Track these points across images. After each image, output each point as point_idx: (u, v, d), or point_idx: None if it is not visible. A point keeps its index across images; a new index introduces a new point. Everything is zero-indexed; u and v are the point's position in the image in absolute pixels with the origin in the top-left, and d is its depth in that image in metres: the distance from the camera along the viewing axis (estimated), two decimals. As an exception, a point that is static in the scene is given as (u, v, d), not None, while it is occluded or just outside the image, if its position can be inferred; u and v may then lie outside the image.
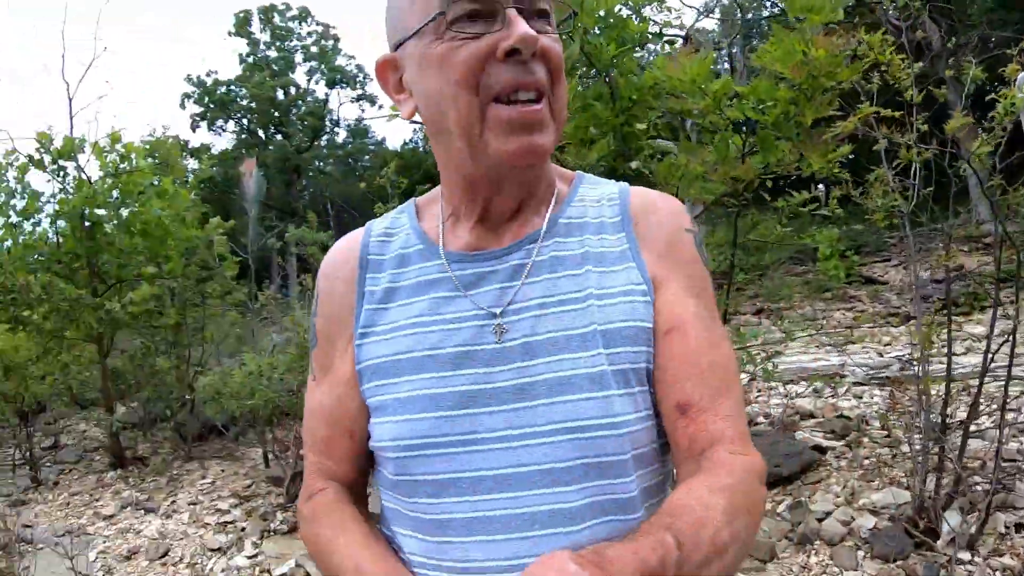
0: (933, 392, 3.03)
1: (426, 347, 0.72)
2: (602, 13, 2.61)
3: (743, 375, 5.32)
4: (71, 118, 6.92)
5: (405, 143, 21.30)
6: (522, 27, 0.67)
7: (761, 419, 4.71)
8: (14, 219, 5.74)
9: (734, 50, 9.07)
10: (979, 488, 3.13)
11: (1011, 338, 2.81)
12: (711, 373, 0.71)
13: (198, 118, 16.82)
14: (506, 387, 0.70)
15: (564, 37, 2.86)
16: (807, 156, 2.23)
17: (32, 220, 5.81)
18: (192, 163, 15.93)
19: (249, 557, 4.13)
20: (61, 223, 5.99)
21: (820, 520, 3.25)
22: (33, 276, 5.61)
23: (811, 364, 5.72)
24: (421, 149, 21.03)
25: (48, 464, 6.68)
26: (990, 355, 2.90)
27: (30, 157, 6.25)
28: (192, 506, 5.18)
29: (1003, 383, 2.96)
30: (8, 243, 5.74)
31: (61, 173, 6.37)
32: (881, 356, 5.63)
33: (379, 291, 0.78)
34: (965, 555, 2.80)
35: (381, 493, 0.80)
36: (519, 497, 0.68)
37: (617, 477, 0.69)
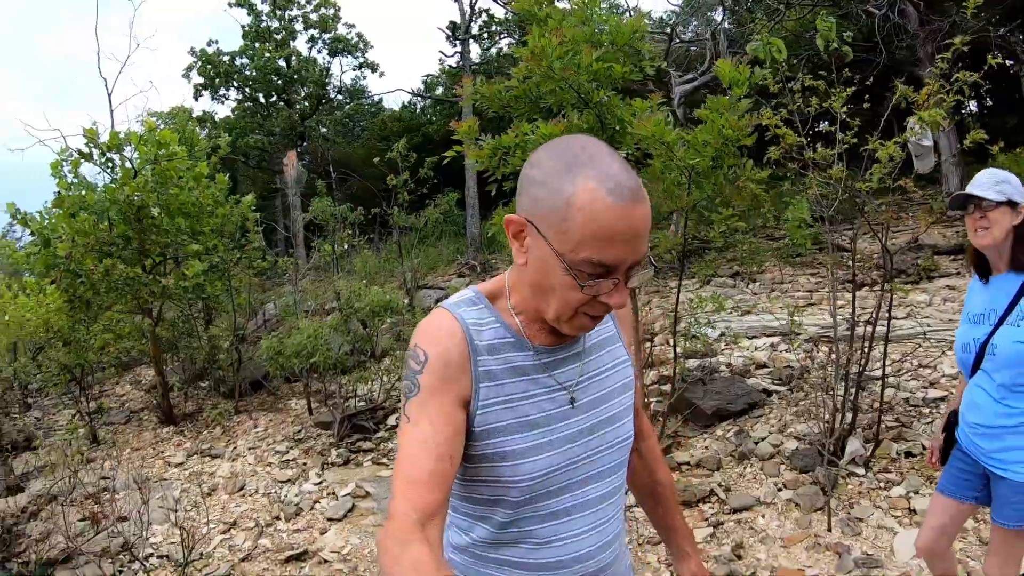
0: (847, 349, 3.97)
1: (537, 411, 1.05)
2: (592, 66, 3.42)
3: (709, 331, 6.25)
4: (111, 112, 7.62)
5: (404, 105, 21.49)
6: (622, 297, 0.96)
7: (723, 367, 5.67)
8: (72, 209, 6.40)
9: (719, 36, 9.67)
10: (883, 425, 4.11)
11: (884, 302, 3.71)
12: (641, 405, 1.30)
13: (201, 88, 17.26)
14: (587, 426, 1.10)
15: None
16: (725, 195, 3.15)
17: (87, 211, 6.47)
18: (199, 131, 16.52)
19: (315, 484, 5.14)
20: (112, 211, 6.66)
21: (756, 443, 4.23)
22: (94, 259, 6.32)
23: (773, 323, 6.63)
24: (419, 111, 21.27)
25: (99, 426, 7.39)
26: (874, 318, 3.81)
27: (79, 151, 6.95)
28: (252, 450, 6.17)
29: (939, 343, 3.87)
30: (65, 230, 6.42)
31: (110, 165, 7.07)
32: (832, 318, 6.55)
33: (491, 371, 1.03)
34: (860, 471, 3.78)
35: (492, 519, 1.08)
36: (601, 484, 1.11)
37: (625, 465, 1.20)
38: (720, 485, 3.87)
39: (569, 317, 0.99)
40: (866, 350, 3.83)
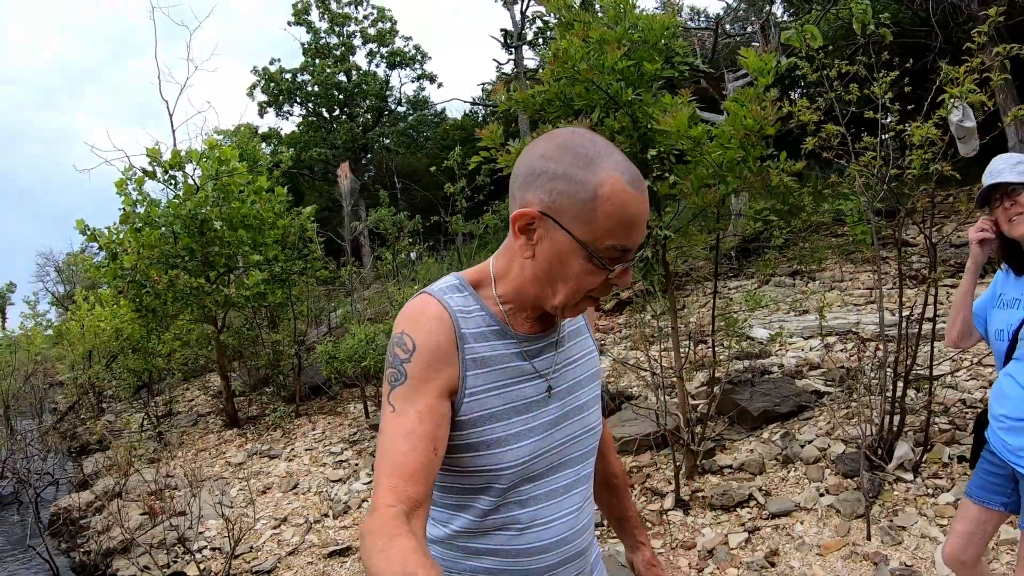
0: (895, 348, 3.75)
1: (519, 398, 1.07)
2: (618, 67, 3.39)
3: (762, 332, 6.04)
4: (173, 132, 8.08)
5: (466, 114, 21.82)
6: (629, 277, 1.01)
7: (775, 368, 5.47)
8: (138, 225, 6.84)
9: (770, 26, 9.37)
10: (936, 426, 3.86)
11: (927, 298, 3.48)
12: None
13: (266, 105, 18.06)
14: (561, 413, 1.11)
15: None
16: (749, 188, 3.04)
17: (152, 225, 6.88)
18: (264, 147, 17.36)
19: (365, 484, 5.28)
20: (177, 224, 7.07)
21: (802, 447, 4.05)
22: (159, 271, 6.72)
23: (831, 322, 6.34)
24: (480, 118, 21.55)
25: (168, 429, 7.90)
26: (920, 314, 3.59)
27: (144, 170, 7.40)
28: (308, 451, 6.41)
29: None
30: (131, 244, 6.85)
31: (172, 182, 7.51)
32: (892, 315, 6.20)
33: (477, 359, 1.03)
34: (908, 476, 3.56)
35: (474, 508, 1.08)
36: (577, 469, 1.14)
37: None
38: (760, 490, 3.74)
39: (575, 303, 1.01)
40: (912, 348, 3.61)
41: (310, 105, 18.03)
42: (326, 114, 18.53)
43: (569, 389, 1.14)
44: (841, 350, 5.67)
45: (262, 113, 17.84)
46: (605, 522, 2.90)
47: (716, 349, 5.91)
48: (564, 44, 3.54)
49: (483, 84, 20.72)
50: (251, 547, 4.55)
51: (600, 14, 4.34)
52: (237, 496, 5.64)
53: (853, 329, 6.13)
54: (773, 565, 3.05)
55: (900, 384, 3.69)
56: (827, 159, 3.72)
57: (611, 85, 3.81)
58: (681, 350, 6.01)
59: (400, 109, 20.96)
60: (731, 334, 4.77)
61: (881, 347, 4.25)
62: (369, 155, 20.09)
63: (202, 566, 4.23)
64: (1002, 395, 1.91)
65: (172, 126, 7.48)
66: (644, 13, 4.37)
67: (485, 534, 1.08)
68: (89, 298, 8.96)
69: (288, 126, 19.78)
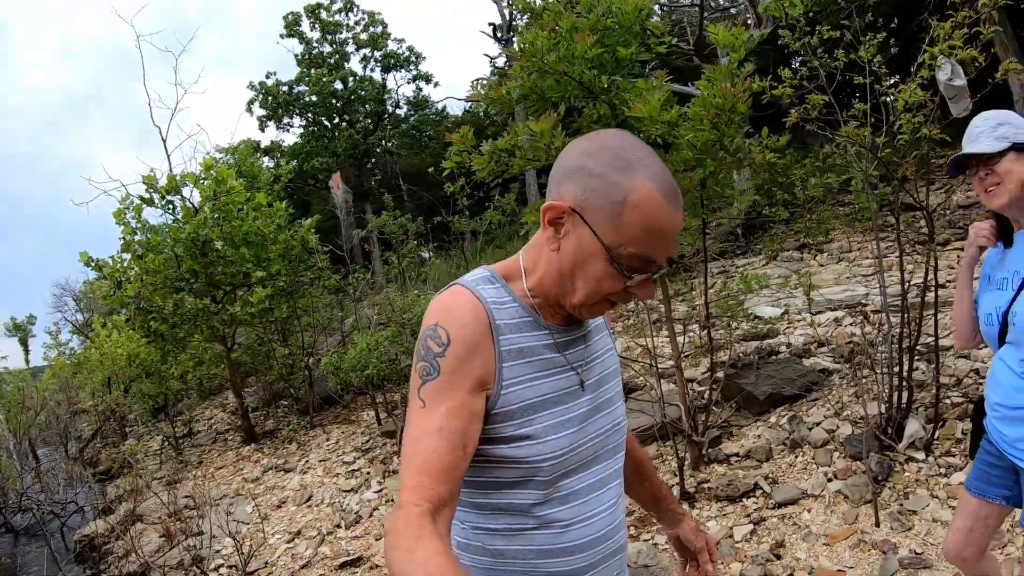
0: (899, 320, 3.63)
1: (555, 389, 1.06)
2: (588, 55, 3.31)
3: (769, 311, 5.93)
4: (168, 157, 8.11)
5: (467, 111, 21.72)
6: (651, 291, 1.01)
7: (783, 348, 5.35)
8: (139, 251, 6.90)
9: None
10: (948, 401, 3.73)
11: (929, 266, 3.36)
12: None
13: (265, 119, 18.16)
14: (593, 407, 1.11)
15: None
16: (726, 167, 2.93)
17: (154, 251, 6.93)
18: (267, 161, 17.50)
19: (376, 492, 5.29)
20: (179, 248, 7.12)
21: (810, 429, 3.95)
22: (163, 296, 6.78)
23: (840, 295, 6.19)
24: (482, 114, 21.48)
25: (188, 448, 8.01)
26: (923, 283, 3.46)
27: (141, 197, 7.45)
28: (322, 462, 6.44)
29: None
30: (135, 271, 6.95)
31: (170, 207, 7.56)
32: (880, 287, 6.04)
33: (512, 350, 1.02)
34: (920, 455, 3.44)
35: (514, 506, 1.05)
36: (609, 463, 1.14)
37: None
38: (767, 478, 3.65)
39: (592, 303, 1.01)
40: (917, 320, 3.49)
41: (309, 115, 18.10)
42: (326, 123, 18.59)
43: (598, 383, 1.13)
44: (851, 324, 5.53)
45: (263, 127, 17.96)
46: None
47: (721, 332, 5.81)
48: (530, 36, 3.46)
49: (476, 80, 20.61)
50: (266, 563, 4.57)
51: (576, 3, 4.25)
52: (253, 512, 5.68)
53: (862, 301, 5.98)
54: (779, 557, 2.97)
55: (907, 358, 3.57)
56: (812, 131, 3.60)
57: (584, 74, 3.73)
58: (688, 335, 5.92)
59: (400, 112, 20.95)
60: (734, 316, 4.65)
61: (885, 320, 4.14)
62: (373, 160, 20.11)
63: (215, 585, 4.26)
64: (995, 382, 1.79)
65: (167, 151, 7.49)
66: (617, -2, 4.28)
67: (526, 534, 1.05)
68: (107, 325, 9.09)
69: (290, 138, 19.90)
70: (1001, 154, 1.69)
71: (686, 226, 3.76)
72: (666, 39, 4.26)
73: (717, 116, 2.85)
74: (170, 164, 7.71)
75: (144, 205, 7.03)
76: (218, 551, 4.83)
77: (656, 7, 10.87)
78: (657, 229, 0.94)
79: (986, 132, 1.73)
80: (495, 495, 1.05)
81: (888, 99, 3.22)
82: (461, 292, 1.02)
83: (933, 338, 3.80)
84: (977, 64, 3.16)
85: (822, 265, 7.31)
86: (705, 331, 6.15)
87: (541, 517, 1.04)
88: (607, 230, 0.94)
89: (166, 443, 7.74)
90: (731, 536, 3.21)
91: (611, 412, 1.15)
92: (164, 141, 7.55)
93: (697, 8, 9.18)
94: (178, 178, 7.31)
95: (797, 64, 3.64)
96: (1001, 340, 1.78)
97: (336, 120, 18.58)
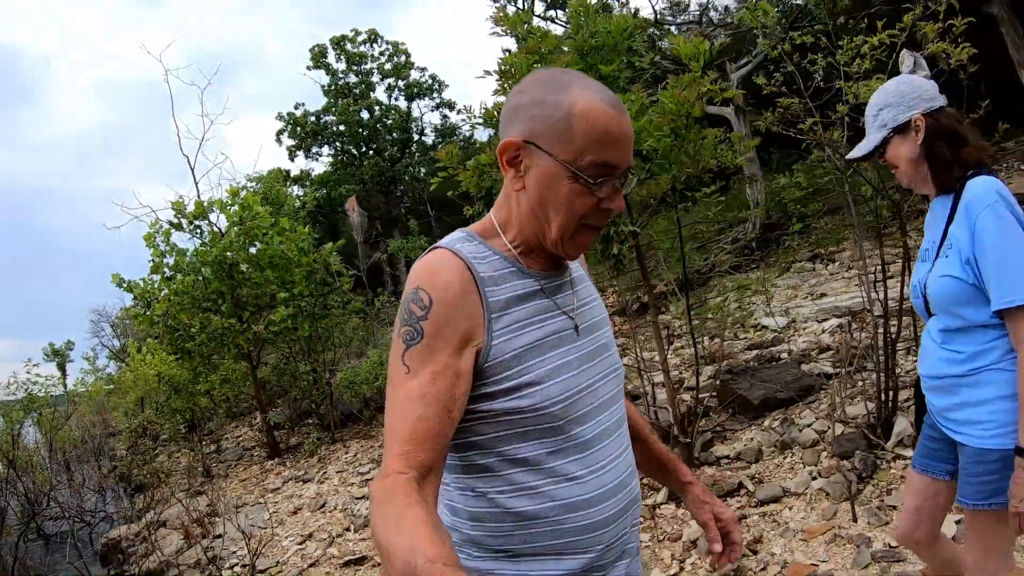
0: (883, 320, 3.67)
1: (549, 333, 1.04)
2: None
3: (778, 320, 5.96)
4: (196, 184, 8.56)
5: (494, 132, 22.17)
6: (621, 200, 1.01)
7: (784, 354, 5.36)
8: (168, 274, 7.28)
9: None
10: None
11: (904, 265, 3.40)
12: None
13: (294, 148, 18.84)
14: (590, 351, 1.09)
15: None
16: (683, 172, 3.08)
17: (183, 272, 7.31)
18: (296, 189, 18.13)
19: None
20: (206, 270, 7.49)
21: (800, 431, 3.98)
22: (190, 315, 7.14)
23: (847, 302, 6.18)
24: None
25: (215, 463, 8.33)
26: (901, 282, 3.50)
27: (170, 222, 7.89)
28: (339, 473, 6.64)
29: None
30: (165, 292, 7.34)
31: (198, 231, 7.96)
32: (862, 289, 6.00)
33: (500, 300, 1.00)
34: (908, 452, 3.45)
35: (526, 460, 1.01)
36: (613, 411, 1.11)
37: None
38: (752, 477, 3.70)
39: (571, 233, 1.01)
40: (899, 318, 3.53)
41: (337, 144, 18.71)
42: (354, 151, 19.18)
43: (591, 327, 1.12)
44: (856, 330, 5.52)
45: (292, 157, 18.63)
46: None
47: (721, 342, 5.85)
48: (509, 59, 3.66)
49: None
50: (277, 562, 4.78)
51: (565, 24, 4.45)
52: (271, 518, 5.92)
53: (867, 308, 5.95)
54: (755, 552, 3.02)
55: (890, 357, 3.60)
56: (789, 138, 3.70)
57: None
58: (696, 345, 5.96)
59: (428, 139, 21.47)
60: (728, 326, 4.71)
61: (870, 320, 4.16)
62: (400, 187, 20.60)
63: (226, 578, 4.49)
64: (923, 354, 1.77)
65: (195, 179, 7.94)
66: (602, 17, 4.47)
67: (539, 489, 1.00)
68: (142, 349, 9.54)
69: (319, 166, 20.58)
70: (885, 142, 1.71)
71: (664, 229, 3.88)
72: (648, 56, 4.44)
73: (674, 122, 3.00)
74: (198, 191, 8.09)
75: (173, 229, 7.42)
76: (233, 552, 5.05)
77: (670, 19, 11.06)
78: (607, 132, 0.95)
79: (870, 122, 1.76)
80: (503, 452, 1.01)
81: (852, 98, 3.31)
82: (442, 253, 1.01)
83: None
84: (947, 55, 3.23)
85: (832, 274, 7.29)
86: (710, 340, 6.21)
87: (555, 469, 1.01)
88: (561, 148, 0.96)
89: (194, 458, 8.04)
90: (711, 532, 3.27)
91: (609, 356, 1.14)
92: (192, 170, 7.96)
93: (697, 23, 9.34)
94: (205, 204, 7.69)
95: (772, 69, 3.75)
96: (928, 313, 1.77)
97: (363, 148, 19.16)
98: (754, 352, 5.58)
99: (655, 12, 9.70)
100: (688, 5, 14.98)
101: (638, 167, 3.64)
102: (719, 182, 3.67)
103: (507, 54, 3.91)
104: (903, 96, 1.70)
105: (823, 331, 5.74)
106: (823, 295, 6.84)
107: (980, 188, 1.55)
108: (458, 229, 1.10)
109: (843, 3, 9.86)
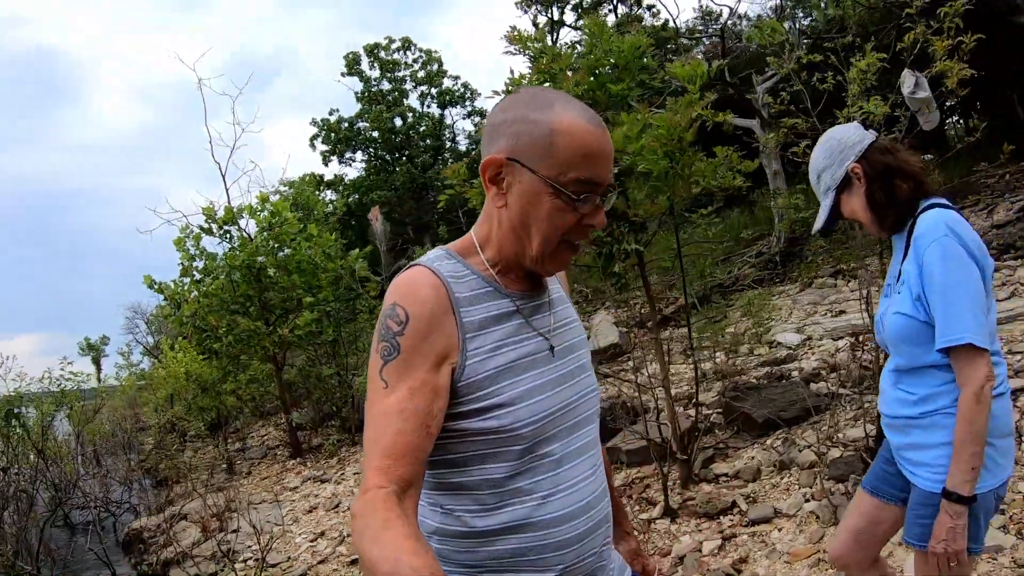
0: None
1: (523, 355, 1.05)
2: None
3: (792, 337, 5.93)
4: (226, 190, 8.87)
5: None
6: (602, 217, 1.03)
7: (795, 372, 5.34)
8: (197, 277, 7.59)
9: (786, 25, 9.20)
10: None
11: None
12: None
13: (328, 154, 19.28)
14: (565, 372, 1.10)
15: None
16: (677, 195, 3.13)
17: (212, 275, 7.60)
18: (329, 194, 18.53)
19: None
20: (235, 274, 7.77)
21: (800, 451, 3.97)
22: (218, 317, 7.42)
23: (865, 320, 6.09)
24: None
25: (239, 461, 8.61)
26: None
27: (201, 227, 8.20)
28: (356, 474, 6.80)
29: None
30: (195, 294, 7.65)
31: (227, 236, 8.25)
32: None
33: (475, 321, 1.01)
34: (904, 474, 3.44)
35: (489, 480, 1.02)
36: (586, 432, 1.12)
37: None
38: (747, 497, 3.71)
39: (552, 250, 1.02)
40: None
41: (371, 150, 19.07)
42: (387, 157, 19.53)
43: (568, 349, 1.13)
44: (859, 350, 5.47)
45: (326, 162, 19.08)
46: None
47: (739, 359, 5.85)
48: (516, 81, 3.76)
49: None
50: (288, 557, 4.96)
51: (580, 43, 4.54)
52: (287, 515, 6.12)
53: (869, 328, 5.87)
54: (739, 572, 3.05)
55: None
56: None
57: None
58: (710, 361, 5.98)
59: (460, 146, 21.69)
60: (756, 341, 4.71)
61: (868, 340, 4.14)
62: (432, 193, 20.88)
63: (242, 574, 4.67)
64: (881, 391, 1.75)
65: (225, 185, 8.20)
66: (616, 36, 4.56)
67: (505, 508, 1.02)
68: (175, 346, 9.91)
69: (352, 172, 21.03)
70: (835, 209, 1.71)
71: (664, 254, 3.93)
72: (660, 74, 4.49)
73: (666, 145, 3.05)
74: (228, 197, 8.41)
75: (203, 234, 7.72)
76: (249, 546, 5.25)
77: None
78: (589, 149, 0.97)
79: (818, 192, 1.76)
80: (472, 471, 1.02)
81: (854, 117, 3.32)
82: (420, 271, 1.02)
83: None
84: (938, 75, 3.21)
85: (853, 291, 7.19)
86: (726, 356, 6.20)
87: (523, 488, 1.01)
88: (544, 164, 0.97)
89: (219, 455, 8.32)
90: (699, 550, 3.31)
91: (585, 378, 1.15)
92: (223, 176, 8.26)
93: (719, 37, 9.31)
94: (235, 210, 7.98)
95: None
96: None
97: (396, 155, 19.50)
98: (765, 369, 5.56)
99: (676, 26, 9.69)
100: (720, 14, 14.98)
101: (639, 185, 3.71)
102: (716, 203, 3.70)
103: (514, 75, 4.02)
104: (832, 153, 1.70)
105: (837, 349, 5.69)
106: (842, 312, 6.77)
107: (929, 222, 1.53)
108: (438, 246, 1.12)
109: (876, 15, 9.75)
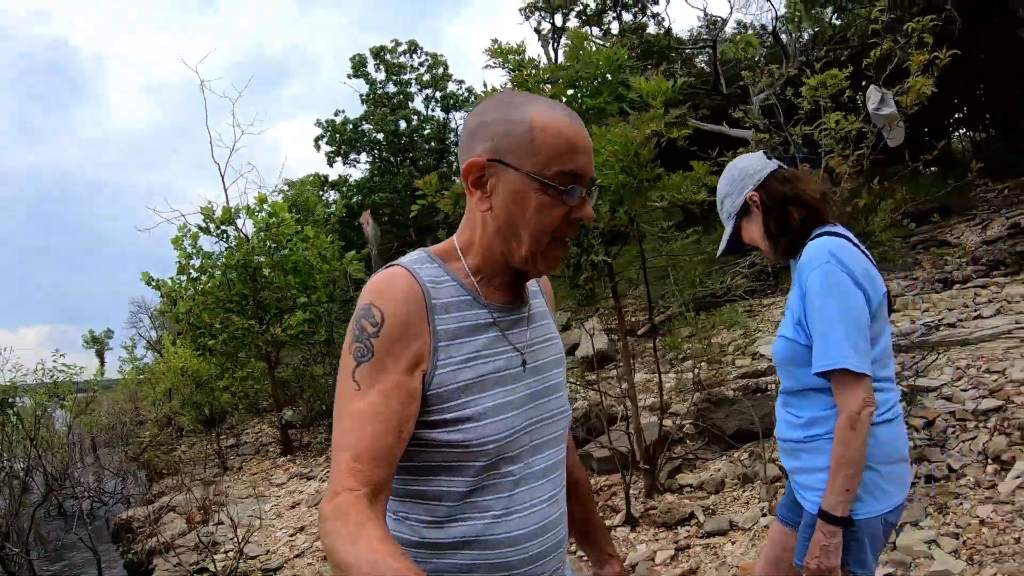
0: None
1: (495, 369, 1.02)
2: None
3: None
4: (225, 191, 9.05)
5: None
6: (590, 210, 1.02)
7: (772, 385, 5.39)
8: (194, 275, 7.75)
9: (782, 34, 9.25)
10: (910, 443, 3.73)
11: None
12: None
13: (332, 155, 19.46)
14: (535, 390, 1.07)
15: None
16: (633, 209, 3.22)
17: (208, 274, 7.75)
18: (333, 194, 18.72)
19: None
20: (231, 273, 7.91)
21: (765, 465, 4.04)
22: (212, 314, 7.58)
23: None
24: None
25: (232, 457, 8.77)
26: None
27: (199, 226, 8.35)
28: (336, 475, 6.96)
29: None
30: (191, 291, 7.80)
31: (224, 235, 8.40)
32: (912, 323, 5.95)
33: (449, 330, 0.98)
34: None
35: (446, 493, 1.00)
36: (550, 454, 1.09)
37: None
38: (706, 509, 3.79)
39: (544, 248, 1.00)
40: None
41: (375, 152, 19.24)
42: (391, 159, 19.68)
43: (541, 367, 1.10)
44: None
45: (330, 163, 19.25)
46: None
47: (714, 372, 5.90)
48: (490, 94, 3.87)
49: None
50: (267, 551, 5.09)
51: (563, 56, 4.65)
52: (271, 510, 6.25)
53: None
54: (687, 581, 3.13)
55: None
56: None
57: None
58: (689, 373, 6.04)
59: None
60: (739, 352, 4.76)
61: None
62: (435, 194, 21.01)
63: (221, 565, 4.81)
64: (776, 415, 1.76)
65: (224, 186, 8.35)
66: (593, 50, 4.64)
67: (457, 523, 1.00)
68: (176, 342, 10.08)
69: (357, 173, 21.23)
70: (736, 234, 1.75)
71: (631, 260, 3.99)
72: (636, 90, 4.58)
73: (622, 160, 3.13)
74: (227, 197, 8.54)
75: (201, 233, 7.87)
76: (231, 538, 5.39)
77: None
78: (570, 141, 0.97)
79: (723, 218, 1.79)
80: (430, 482, 1.00)
81: (819, 133, 3.39)
82: (398, 272, 0.99)
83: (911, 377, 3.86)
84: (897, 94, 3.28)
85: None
86: (708, 366, 6.25)
87: (478, 504, 0.99)
88: (527, 160, 0.96)
89: (211, 450, 8.47)
90: (652, 559, 3.39)
91: (557, 398, 1.12)
92: (222, 177, 8.40)
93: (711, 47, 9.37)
94: (233, 210, 8.12)
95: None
96: None
97: (400, 157, 19.65)
98: (743, 382, 5.62)
99: (670, 38, 9.74)
100: (726, 22, 15.02)
101: (604, 197, 3.79)
102: (676, 219, 3.78)
103: (489, 89, 4.11)
104: (734, 181, 1.74)
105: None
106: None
107: (812, 250, 1.56)
108: (420, 248, 1.08)
109: (877, 27, 9.73)
